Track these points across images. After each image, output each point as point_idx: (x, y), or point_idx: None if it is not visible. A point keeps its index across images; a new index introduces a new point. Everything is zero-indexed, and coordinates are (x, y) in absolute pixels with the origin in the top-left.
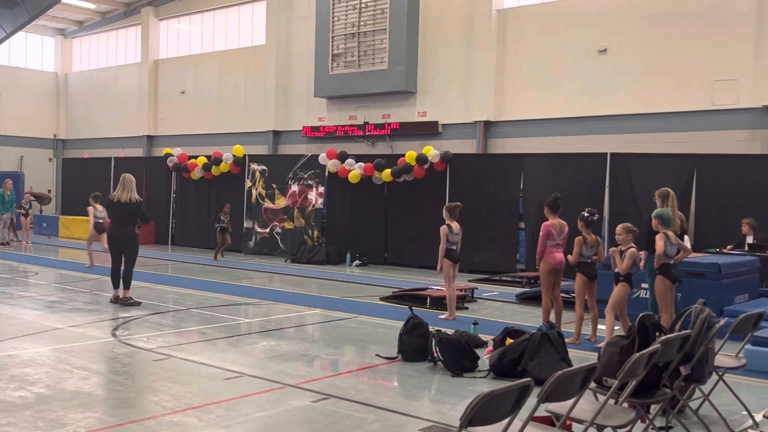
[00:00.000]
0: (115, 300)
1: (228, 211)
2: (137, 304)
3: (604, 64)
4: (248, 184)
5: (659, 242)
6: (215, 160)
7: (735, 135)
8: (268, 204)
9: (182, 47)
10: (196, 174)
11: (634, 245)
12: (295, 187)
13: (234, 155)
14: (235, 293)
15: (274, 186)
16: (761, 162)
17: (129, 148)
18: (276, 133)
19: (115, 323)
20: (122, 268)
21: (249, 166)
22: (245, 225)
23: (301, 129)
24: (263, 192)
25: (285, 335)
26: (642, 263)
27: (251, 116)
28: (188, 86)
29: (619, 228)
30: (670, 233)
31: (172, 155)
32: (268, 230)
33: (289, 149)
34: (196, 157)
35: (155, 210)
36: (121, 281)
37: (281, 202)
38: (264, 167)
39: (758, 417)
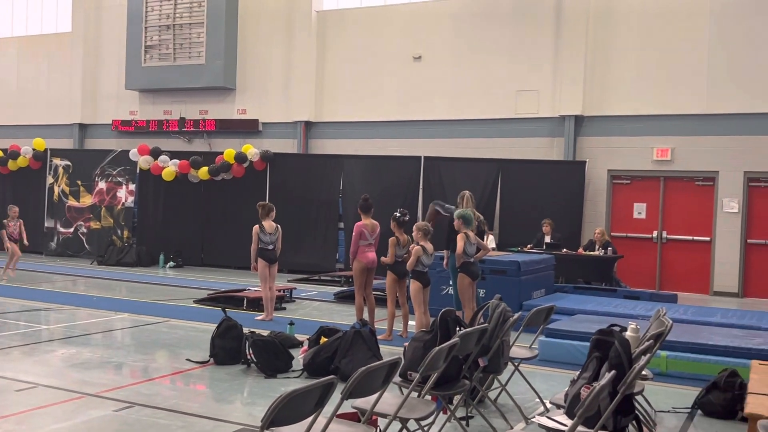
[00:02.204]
0: None
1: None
2: None
3: (419, 70)
4: (50, 180)
5: (459, 242)
6: (12, 154)
7: (536, 142)
8: (72, 202)
9: None
10: None
11: (424, 243)
12: (102, 185)
13: (34, 149)
14: (34, 298)
15: (79, 183)
16: (558, 167)
17: None
18: (82, 127)
19: None
20: None
21: (51, 160)
22: (46, 224)
23: (111, 123)
24: (67, 189)
25: (89, 342)
26: (445, 262)
27: (55, 108)
28: None
29: (414, 227)
30: (470, 233)
31: None
32: (71, 230)
33: (97, 144)
34: None
35: None
36: None
37: (87, 200)
38: (68, 162)
39: (548, 404)
